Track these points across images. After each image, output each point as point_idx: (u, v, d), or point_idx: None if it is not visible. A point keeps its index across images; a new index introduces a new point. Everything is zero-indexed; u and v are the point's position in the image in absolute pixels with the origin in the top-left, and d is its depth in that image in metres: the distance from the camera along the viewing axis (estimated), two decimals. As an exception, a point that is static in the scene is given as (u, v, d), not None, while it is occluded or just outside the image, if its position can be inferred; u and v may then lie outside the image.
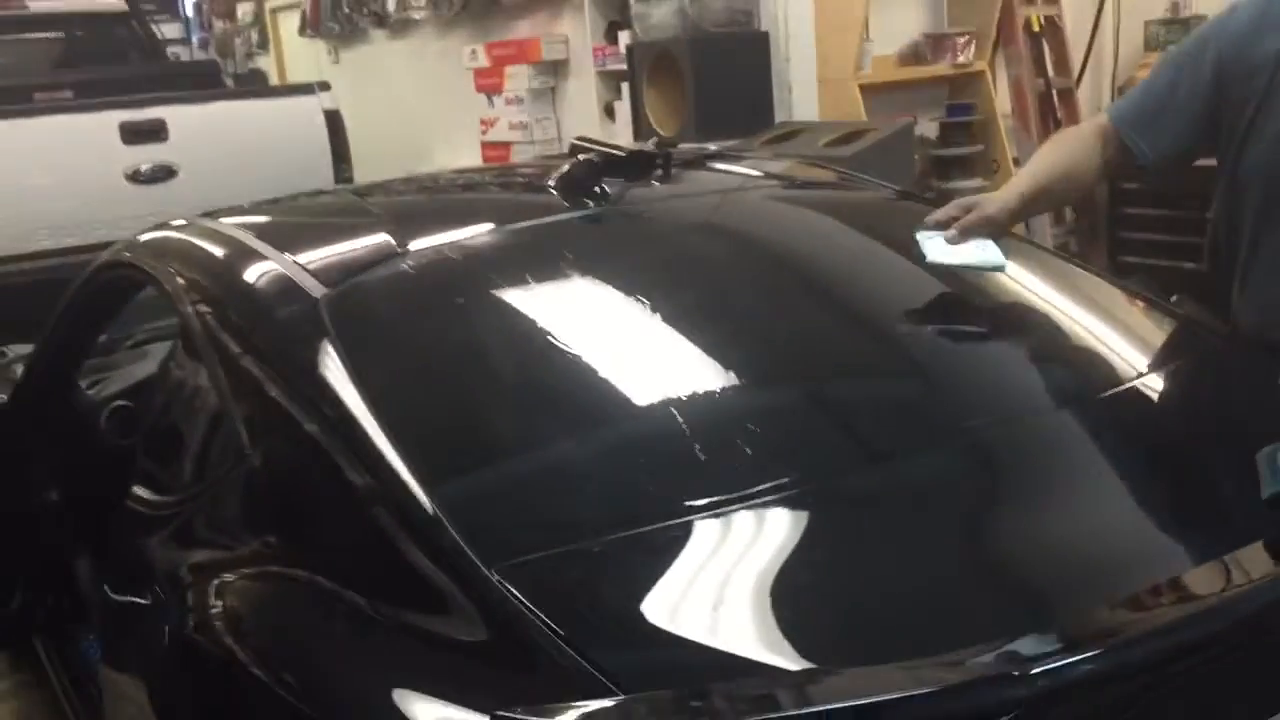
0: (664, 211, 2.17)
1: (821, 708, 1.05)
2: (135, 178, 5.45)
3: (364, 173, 5.87)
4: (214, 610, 1.55)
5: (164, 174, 5.50)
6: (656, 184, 2.19)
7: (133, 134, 5.42)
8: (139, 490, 1.99)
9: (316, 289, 1.75)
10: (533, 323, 1.73)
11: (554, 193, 2.08)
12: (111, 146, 5.38)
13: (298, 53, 9.32)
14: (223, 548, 1.68)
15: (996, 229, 1.92)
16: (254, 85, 8.29)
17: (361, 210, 2.25)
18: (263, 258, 1.90)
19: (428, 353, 1.69)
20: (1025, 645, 1.11)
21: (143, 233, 2.30)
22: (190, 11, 11.05)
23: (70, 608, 2.52)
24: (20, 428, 2.61)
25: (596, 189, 2.06)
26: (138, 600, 1.81)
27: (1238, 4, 2.00)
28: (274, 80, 9.23)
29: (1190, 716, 1.19)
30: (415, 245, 1.88)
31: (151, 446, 2.10)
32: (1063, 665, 1.05)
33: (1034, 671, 1.04)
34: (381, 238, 1.91)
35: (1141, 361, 1.79)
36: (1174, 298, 2.12)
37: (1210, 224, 2.07)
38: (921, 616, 1.25)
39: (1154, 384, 1.71)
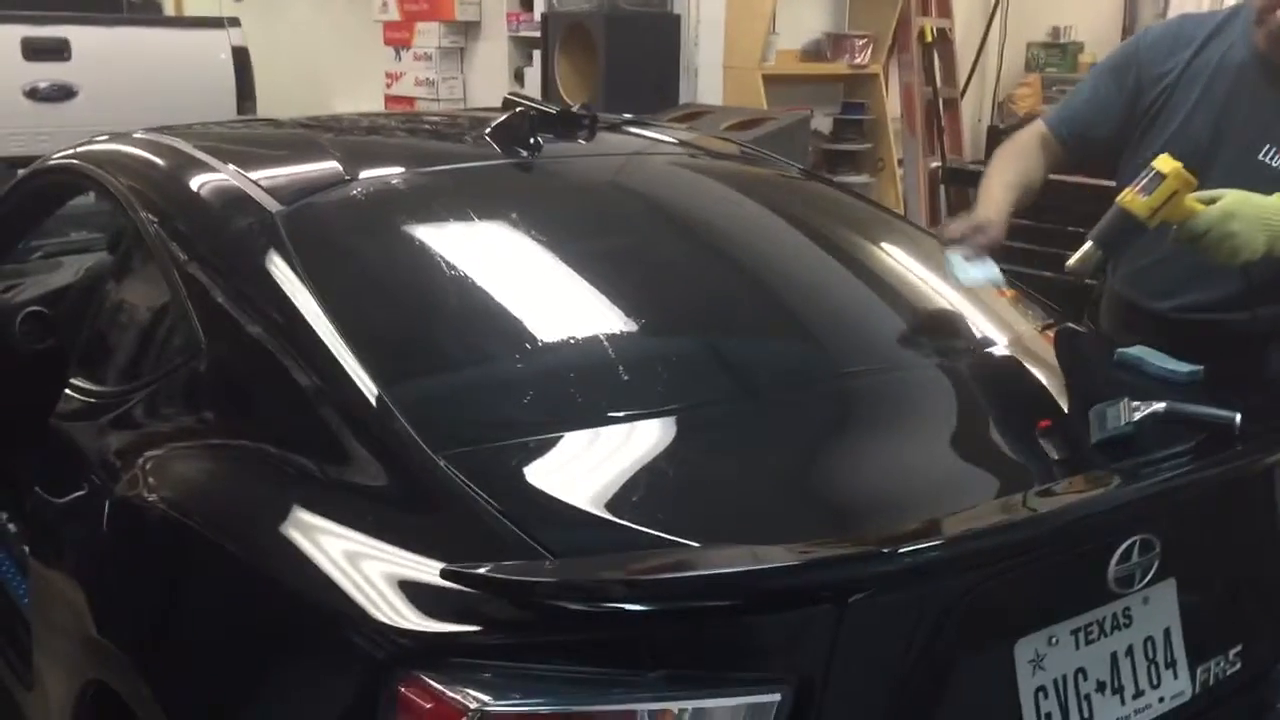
0: (589, 165, 2.37)
1: (714, 571, 1.26)
2: (33, 95, 5.38)
3: (266, 113, 5.86)
4: (157, 481, 1.68)
5: (63, 94, 5.44)
6: (583, 141, 2.38)
7: (35, 50, 5.34)
8: (75, 388, 2.07)
9: (273, 205, 1.89)
10: (475, 252, 1.90)
11: (489, 140, 2.25)
12: (12, 61, 5.29)
13: (198, -14, 9.13)
14: (169, 434, 1.81)
15: (998, 247, 2.14)
16: (145, 14, 8.11)
17: (307, 139, 2.38)
18: (220, 173, 2.02)
19: (381, 272, 1.85)
20: (878, 537, 1.34)
21: (91, 141, 2.37)
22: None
23: None
24: None
25: (530, 140, 2.24)
26: (72, 494, 1.90)
27: (1151, 27, 2.43)
28: (169, 11, 9.03)
29: (1011, 609, 1.44)
30: (363, 174, 2.03)
31: (89, 348, 2.18)
32: (911, 550, 1.28)
33: (886, 552, 1.27)
34: (331, 165, 2.05)
35: (1000, 332, 2.05)
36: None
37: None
38: (794, 513, 1.48)
39: (1010, 350, 1.97)
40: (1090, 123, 2.31)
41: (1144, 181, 1.90)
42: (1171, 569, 1.54)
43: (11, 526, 2.48)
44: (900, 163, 5.90)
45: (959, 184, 6.12)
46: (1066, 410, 1.80)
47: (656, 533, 1.35)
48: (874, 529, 1.41)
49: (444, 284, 1.83)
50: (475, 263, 1.87)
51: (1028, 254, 3.97)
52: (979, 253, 2.07)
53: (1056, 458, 1.66)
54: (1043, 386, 1.91)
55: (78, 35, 5.44)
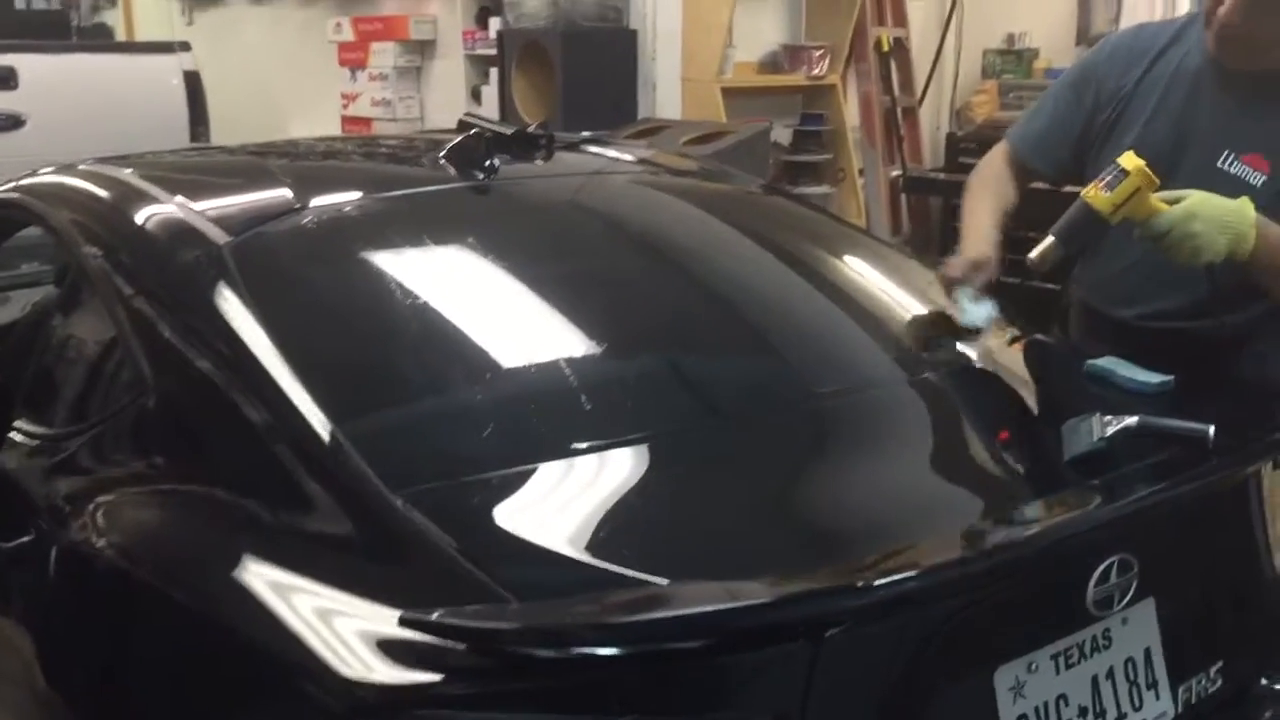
0: (547, 186, 2.33)
1: (684, 612, 1.22)
2: (-20, 125, 5.29)
3: (221, 138, 5.79)
4: (105, 529, 1.62)
5: (11, 123, 5.36)
6: (540, 162, 2.33)
7: (-20, 80, 5.27)
8: (19, 430, 2.00)
9: (221, 236, 1.83)
10: (429, 280, 1.85)
11: (444, 163, 2.20)
12: (-44, 91, 5.21)
13: (148, 10, 9.02)
14: (117, 479, 1.75)
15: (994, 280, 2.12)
16: (98, 39, 8.03)
17: (257, 167, 2.32)
18: (165, 205, 1.97)
19: (332, 302, 1.79)
20: (854, 568, 1.30)
21: (26, 176, 2.31)
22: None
23: None
24: None
25: (485, 162, 2.19)
26: (18, 540, 1.82)
27: (1109, 38, 2.41)
28: (121, 37, 8.93)
29: (990, 636, 1.41)
30: (314, 202, 1.97)
31: (34, 388, 2.12)
32: (893, 581, 1.24)
33: (862, 585, 1.23)
34: (282, 193, 2.00)
35: (966, 347, 2.02)
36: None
37: None
38: (767, 544, 1.43)
39: (976, 367, 1.94)
40: (1054, 144, 2.30)
41: (1108, 178, 1.89)
42: (1150, 588, 1.51)
43: None
44: (861, 172, 5.90)
45: (919, 192, 6.14)
46: (1039, 427, 1.77)
47: (625, 570, 1.31)
48: (847, 559, 1.37)
49: (400, 313, 1.78)
50: (431, 290, 1.82)
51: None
52: (981, 293, 2.04)
53: (1030, 478, 1.63)
54: (1013, 403, 1.89)
55: (25, 63, 5.37)
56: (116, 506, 1.66)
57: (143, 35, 8.84)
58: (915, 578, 1.27)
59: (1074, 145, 2.27)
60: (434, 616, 1.21)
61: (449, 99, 6.18)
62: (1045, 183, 2.38)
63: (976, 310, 2.02)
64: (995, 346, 2.03)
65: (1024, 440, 1.70)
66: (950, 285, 2.07)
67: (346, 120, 6.90)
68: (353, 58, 6.79)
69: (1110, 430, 1.60)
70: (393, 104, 6.57)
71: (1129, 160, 1.88)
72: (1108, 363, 1.94)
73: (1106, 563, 1.43)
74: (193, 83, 5.78)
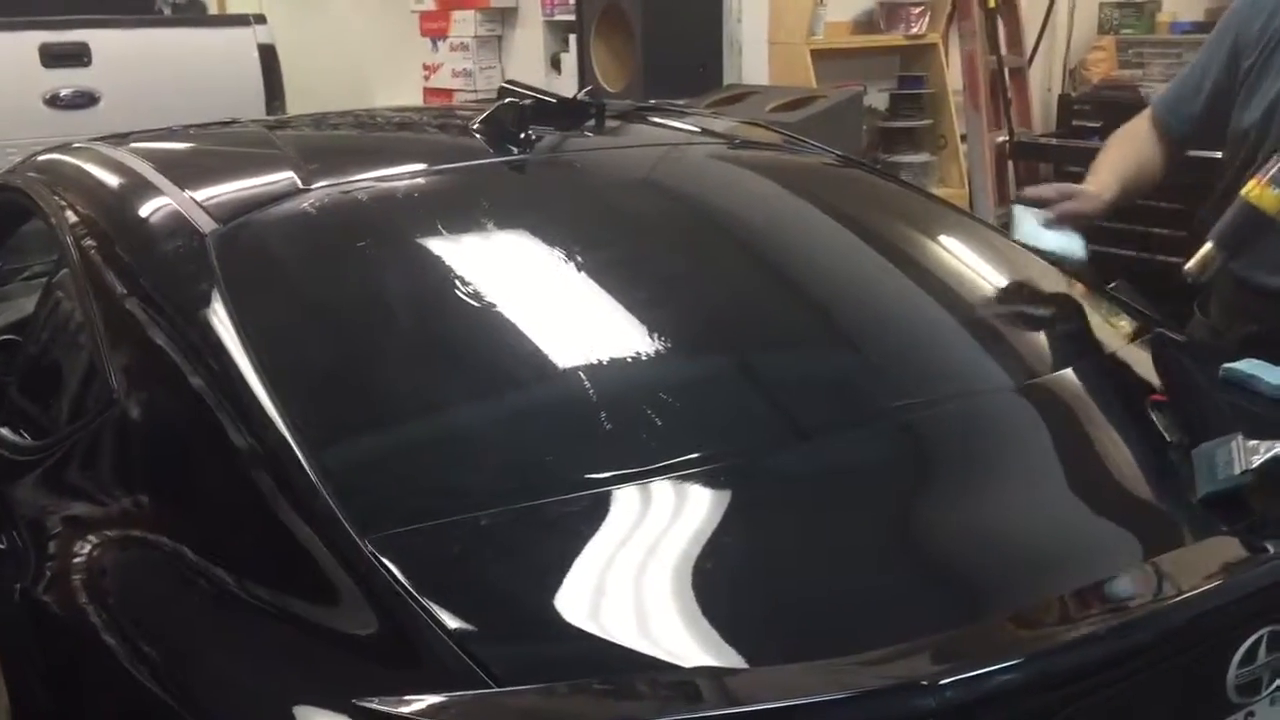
0: (592, 164, 2.05)
1: (704, 714, 0.95)
2: (54, 102, 5.20)
3: (300, 111, 5.66)
4: (67, 574, 1.42)
5: (85, 100, 5.26)
6: (589, 134, 2.07)
7: (53, 57, 5.17)
8: (4, 431, 1.83)
9: (206, 224, 1.61)
10: (436, 276, 1.60)
11: (477, 136, 1.95)
12: (30, 68, 5.12)
13: (237, -17, 8.98)
14: (85, 501, 1.54)
15: (1089, 223, 1.93)
16: (191, 14, 7.99)
17: (269, 144, 2.09)
18: (154, 187, 1.75)
19: (320, 302, 1.56)
20: (938, 651, 1.02)
21: (33, 156, 2.14)
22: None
23: None
24: None
25: (523, 135, 1.94)
26: None
27: None
28: (213, 11, 8.90)
29: None
30: (319, 184, 1.74)
31: (25, 385, 1.94)
32: (976, 676, 0.97)
33: (944, 681, 0.95)
34: (285, 174, 1.77)
35: (1077, 348, 1.71)
36: (1112, 284, 2.07)
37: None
38: (831, 614, 1.16)
39: (1089, 372, 1.63)
40: (1187, 96, 2.05)
41: (1273, 171, 1.58)
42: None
43: None
44: (964, 138, 5.51)
45: (1029, 158, 5.71)
46: (1165, 453, 1.43)
47: (641, 650, 1.05)
48: (929, 637, 1.08)
49: (400, 316, 1.54)
50: (439, 288, 1.57)
51: (1113, 233, 3.59)
52: (1062, 220, 1.81)
53: (1153, 525, 1.31)
54: (1132, 421, 1.54)
55: (97, 39, 5.26)
56: (74, 541, 1.46)
57: (234, 9, 8.82)
58: (1015, 668, 0.98)
59: (1209, 98, 2.00)
60: (392, 710, 0.97)
61: (529, 69, 5.97)
62: (1180, 147, 2.10)
63: (1043, 234, 1.80)
64: (1112, 347, 1.71)
65: (1143, 471, 1.38)
66: (1022, 199, 1.87)
67: (429, 92, 6.75)
68: (434, 27, 6.63)
69: (1257, 459, 1.28)
70: (473, 74, 6.39)
71: None
72: (1250, 366, 1.60)
73: (1254, 637, 1.12)
74: (268, 55, 5.62)
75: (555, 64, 5.74)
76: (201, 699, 1.14)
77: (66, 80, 5.22)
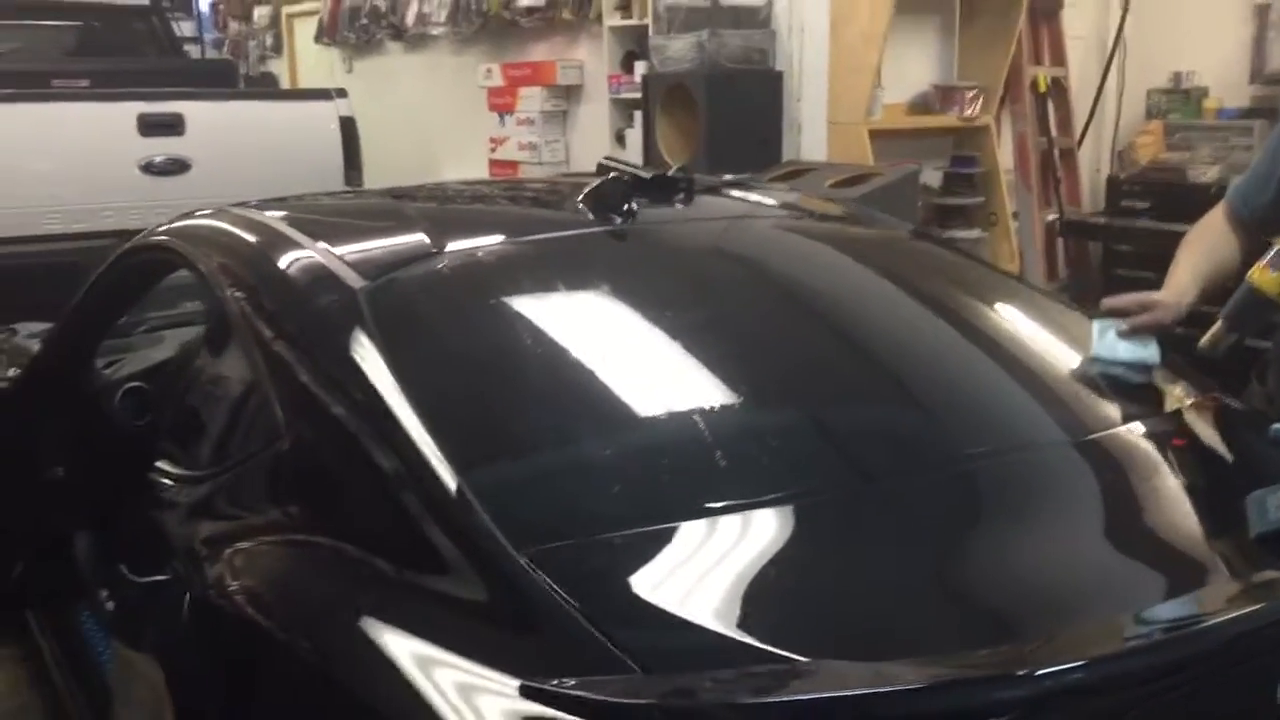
0: (687, 232, 2.26)
1: (820, 695, 1.12)
2: (149, 169, 5.51)
3: (373, 181, 5.94)
4: (237, 577, 1.61)
5: (178, 167, 5.56)
6: (680, 206, 2.27)
7: (150, 126, 5.49)
8: (162, 468, 2.03)
9: (356, 280, 1.82)
10: (562, 327, 1.80)
11: (582, 207, 2.16)
12: (128, 137, 5.44)
13: (311, 59, 9.40)
14: (250, 525, 1.74)
15: (1166, 330, 1.95)
16: (266, 87, 8.36)
17: (397, 211, 2.32)
18: (301, 248, 1.97)
19: (462, 349, 1.76)
20: (1019, 651, 1.18)
21: (179, 218, 2.35)
22: (205, 10, 11.13)
23: (67, 583, 2.55)
24: (30, 403, 2.66)
25: (624, 206, 2.14)
26: (156, 577, 1.85)
27: None
28: (286, 85, 9.30)
29: None
30: (450, 246, 1.95)
31: (178, 426, 2.15)
32: (1059, 670, 1.12)
33: (1035, 673, 1.11)
34: (418, 237, 1.98)
35: (1133, 404, 1.87)
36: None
37: None
38: (915, 621, 1.32)
39: (1147, 426, 1.79)
40: (1258, 187, 2.09)
41: (1270, 255, 1.72)
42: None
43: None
44: (1015, 216, 5.68)
45: (1078, 236, 5.87)
46: (1217, 499, 1.60)
47: (762, 645, 1.22)
48: (1001, 643, 1.25)
49: (532, 361, 1.73)
50: (565, 338, 1.77)
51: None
52: (1140, 332, 1.86)
53: (1210, 557, 1.47)
54: (1186, 470, 1.72)
55: (191, 109, 5.58)
56: (247, 554, 1.65)
57: (306, 83, 9.21)
58: (1082, 669, 1.14)
59: (1277, 189, 2.07)
60: (556, 687, 1.14)
61: (594, 143, 6.22)
62: (1256, 234, 2.11)
63: (1118, 346, 1.84)
64: (1170, 408, 1.87)
65: (1200, 514, 1.54)
66: (1102, 314, 1.90)
67: (494, 164, 7.02)
68: (501, 102, 6.92)
69: (1303, 504, 1.44)
70: (539, 147, 6.66)
71: None
72: (1297, 426, 1.76)
73: (1302, 654, 1.28)
74: (348, 128, 5.92)
75: (620, 139, 5.98)
76: (372, 689, 1.31)
77: (161, 148, 5.53)
